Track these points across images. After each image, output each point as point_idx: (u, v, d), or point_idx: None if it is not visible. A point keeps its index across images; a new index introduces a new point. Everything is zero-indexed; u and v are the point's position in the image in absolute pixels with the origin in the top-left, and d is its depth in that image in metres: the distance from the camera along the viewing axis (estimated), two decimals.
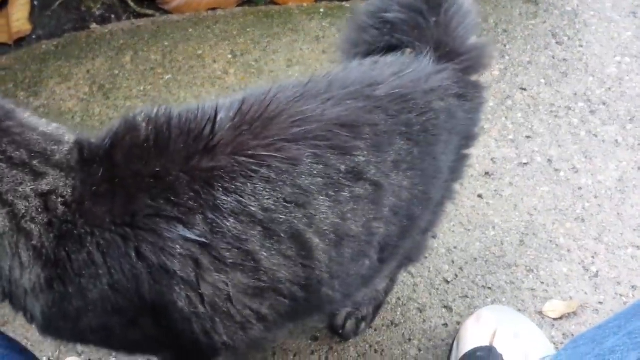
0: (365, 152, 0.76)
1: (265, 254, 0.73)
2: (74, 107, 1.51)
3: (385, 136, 0.78)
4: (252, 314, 0.78)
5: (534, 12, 1.70)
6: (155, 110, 0.75)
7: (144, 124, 0.74)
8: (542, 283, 1.23)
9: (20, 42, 1.67)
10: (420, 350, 1.16)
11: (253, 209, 0.71)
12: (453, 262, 1.26)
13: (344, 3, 1.74)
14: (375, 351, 1.16)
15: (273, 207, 0.72)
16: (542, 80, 1.54)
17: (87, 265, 0.71)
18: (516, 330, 1.10)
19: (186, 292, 0.73)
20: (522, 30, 1.65)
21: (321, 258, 0.76)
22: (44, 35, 1.69)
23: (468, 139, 0.93)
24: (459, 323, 1.18)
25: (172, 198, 0.70)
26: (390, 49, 0.90)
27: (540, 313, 1.20)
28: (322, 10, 1.72)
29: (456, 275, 1.24)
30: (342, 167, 0.75)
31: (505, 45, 1.61)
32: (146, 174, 0.71)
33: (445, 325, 1.19)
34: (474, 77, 0.89)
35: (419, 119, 0.81)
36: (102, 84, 1.55)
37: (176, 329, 0.77)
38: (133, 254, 0.71)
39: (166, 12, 1.74)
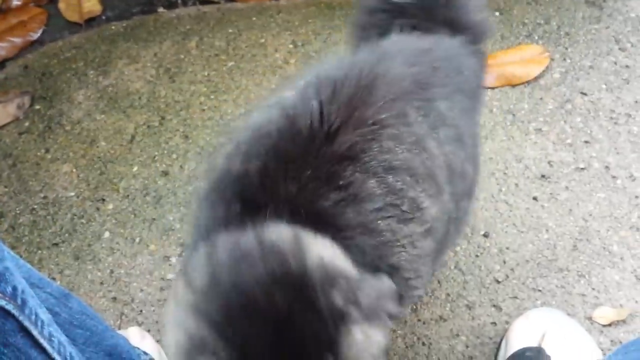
0: (442, 103, 0.86)
1: (422, 196, 0.81)
2: (141, 89, 1.56)
3: (449, 90, 0.89)
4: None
5: (598, 17, 1.68)
6: None
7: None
8: (593, 289, 1.24)
9: (90, 22, 1.73)
10: (467, 346, 1.18)
11: (396, 162, 0.78)
12: (504, 262, 1.27)
13: None
14: (423, 344, 1.19)
15: (408, 155, 0.80)
16: (603, 86, 1.53)
17: None
18: (566, 333, 1.11)
19: None
20: (585, 34, 1.64)
21: (447, 190, 0.85)
22: (114, 16, 1.74)
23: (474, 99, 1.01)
24: (507, 322, 1.19)
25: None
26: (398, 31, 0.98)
27: (590, 319, 1.20)
28: None
29: (507, 276, 1.25)
30: (432, 114, 0.84)
31: (567, 49, 1.61)
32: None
33: (494, 323, 1.20)
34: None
35: (464, 79, 0.93)
36: (168, 67, 1.60)
37: None
38: None
39: None
